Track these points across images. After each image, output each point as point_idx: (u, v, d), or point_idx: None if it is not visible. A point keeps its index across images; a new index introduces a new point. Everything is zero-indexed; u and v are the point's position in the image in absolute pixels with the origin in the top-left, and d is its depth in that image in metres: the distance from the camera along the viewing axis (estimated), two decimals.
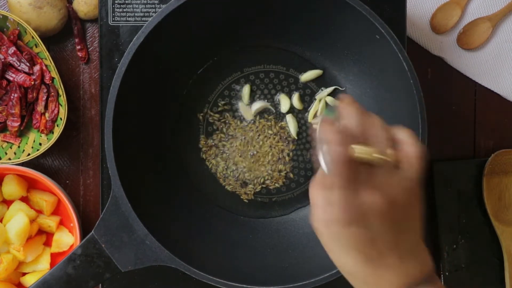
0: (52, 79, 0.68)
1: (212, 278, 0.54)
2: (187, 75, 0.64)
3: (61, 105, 0.68)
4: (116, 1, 0.62)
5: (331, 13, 0.57)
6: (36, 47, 0.68)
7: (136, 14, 0.62)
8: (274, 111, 0.65)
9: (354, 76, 0.64)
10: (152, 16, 0.59)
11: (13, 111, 0.68)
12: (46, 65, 0.68)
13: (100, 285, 0.63)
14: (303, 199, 0.65)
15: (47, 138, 0.69)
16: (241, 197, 0.65)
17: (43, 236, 0.71)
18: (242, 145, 0.65)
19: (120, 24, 0.62)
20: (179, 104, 0.64)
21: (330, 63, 0.64)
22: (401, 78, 0.55)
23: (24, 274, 0.70)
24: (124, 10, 0.62)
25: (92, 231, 0.54)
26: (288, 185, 0.65)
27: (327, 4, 0.56)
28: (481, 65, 0.75)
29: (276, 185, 0.65)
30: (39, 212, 0.71)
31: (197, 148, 0.65)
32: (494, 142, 0.76)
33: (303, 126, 0.65)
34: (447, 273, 0.73)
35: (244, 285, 0.54)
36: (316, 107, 0.65)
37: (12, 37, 0.68)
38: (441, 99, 0.75)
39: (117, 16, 0.62)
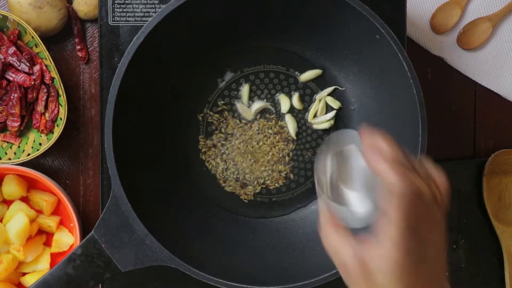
0: (52, 79, 0.68)
1: (212, 278, 0.54)
2: (187, 75, 0.64)
3: (61, 105, 0.68)
4: (116, 1, 0.62)
5: (331, 13, 0.57)
6: (36, 47, 0.68)
7: (136, 14, 0.62)
8: (274, 111, 0.65)
9: (354, 76, 0.64)
10: (152, 16, 0.59)
11: (13, 111, 0.68)
12: (46, 65, 0.68)
13: (100, 285, 0.63)
14: (303, 199, 0.65)
15: (47, 138, 0.69)
16: (241, 197, 0.65)
17: (43, 236, 0.71)
18: (242, 145, 0.65)
19: (120, 24, 0.62)
20: (179, 104, 0.64)
21: (330, 63, 0.64)
22: (401, 78, 0.55)
23: (24, 274, 0.70)
24: (124, 10, 0.62)
25: (92, 231, 0.54)
26: (288, 185, 0.65)
27: (327, 4, 0.56)
28: (481, 65, 0.75)
29: (276, 185, 0.65)
30: (39, 212, 0.71)
31: (197, 148, 0.65)
32: (494, 142, 0.76)
33: (303, 126, 0.65)
34: (447, 273, 0.73)
35: (244, 285, 0.54)
36: (316, 107, 0.65)
37: (12, 37, 0.68)
38: (441, 99, 0.75)
39: (117, 16, 0.62)
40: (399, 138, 0.59)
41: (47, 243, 0.72)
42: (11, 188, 0.69)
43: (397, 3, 0.62)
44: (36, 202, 0.70)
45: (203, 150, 0.65)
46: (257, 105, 0.64)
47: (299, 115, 0.65)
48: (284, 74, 0.65)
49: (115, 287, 0.63)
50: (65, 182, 0.73)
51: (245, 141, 0.65)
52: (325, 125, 0.65)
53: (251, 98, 0.65)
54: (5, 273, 0.67)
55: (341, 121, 0.65)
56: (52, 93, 0.69)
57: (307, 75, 0.64)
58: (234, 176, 0.65)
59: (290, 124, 0.65)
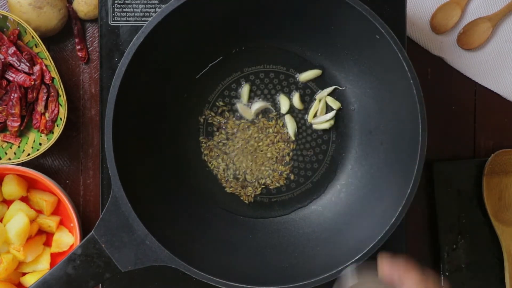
0: (52, 79, 0.68)
1: (212, 278, 0.54)
2: (187, 75, 0.64)
3: (61, 105, 0.68)
4: (116, 1, 0.62)
5: (331, 13, 0.57)
6: (36, 47, 0.68)
7: (136, 14, 0.62)
8: (274, 111, 0.65)
9: (354, 76, 0.64)
10: (152, 16, 0.59)
11: (13, 111, 0.68)
12: (46, 65, 0.68)
13: (100, 285, 0.63)
14: (303, 199, 0.65)
15: (47, 138, 0.69)
16: (241, 198, 0.65)
17: (43, 236, 0.71)
18: (242, 145, 0.65)
19: (120, 24, 0.62)
20: (179, 104, 0.64)
21: (330, 63, 0.64)
22: (401, 78, 0.55)
23: (24, 274, 0.70)
24: (124, 10, 0.62)
25: (92, 231, 0.54)
26: (288, 185, 0.65)
27: (327, 4, 0.56)
28: (481, 65, 0.75)
29: (276, 185, 0.65)
30: (39, 212, 0.71)
31: (197, 148, 0.65)
32: (494, 142, 0.76)
33: (303, 126, 0.65)
34: (447, 273, 0.73)
35: (244, 285, 0.54)
36: (316, 107, 0.65)
37: (12, 37, 0.68)
38: (441, 99, 0.75)
39: (117, 16, 0.62)
40: (399, 138, 0.59)
41: (47, 243, 0.72)
42: (11, 188, 0.69)
43: (397, 3, 0.62)
44: (36, 202, 0.70)
45: (203, 150, 0.65)
46: (257, 105, 0.64)
47: (299, 115, 0.65)
48: (284, 74, 0.65)
49: (115, 287, 0.63)
50: (65, 182, 0.73)
51: (245, 141, 0.65)
52: (325, 125, 0.65)
53: (251, 98, 0.65)
54: (5, 273, 0.67)
55: (341, 121, 0.65)
56: (52, 93, 0.69)
57: (307, 75, 0.64)
58: (234, 176, 0.65)
59: (289, 125, 0.65)
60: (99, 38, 0.62)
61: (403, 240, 0.63)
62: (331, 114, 0.64)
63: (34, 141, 0.70)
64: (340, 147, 0.65)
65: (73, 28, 0.71)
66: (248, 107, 0.65)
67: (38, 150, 0.67)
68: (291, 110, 0.65)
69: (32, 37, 0.66)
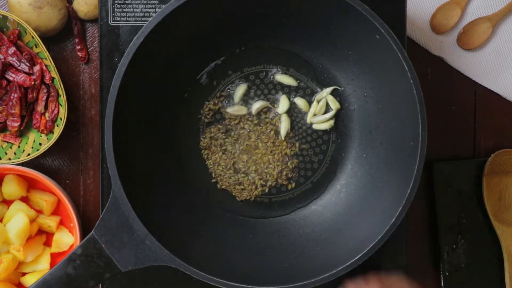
0: (52, 79, 0.68)
1: (212, 278, 0.54)
2: (187, 75, 0.64)
3: (61, 105, 0.68)
4: (116, 1, 0.62)
5: (331, 13, 0.57)
6: (36, 47, 0.68)
7: (136, 14, 0.62)
8: (274, 111, 0.65)
9: (354, 76, 0.64)
10: (152, 16, 0.59)
11: (13, 111, 0.68)
12: (46, 65, 0.68)
13: (100, 285, 0.63)
14: (303, 199, 0.65)
15: (47, 138, 0.69)
16: (242, 197, 0.65)
17: (43, 236, 0.71)
18: (242, 145, 0.65)
19: (120, 24, 0.62)
20: (179, 104, 0.64)
21: (330, 63, 0.64)
22: (401, 78, 0.55)
23: (24, 274, 0.70)
24: (124, 10, 0.62)
25: (92, 231, 0.54)
26: (288, 185, 0.65)
27: (327, 4, 0.56)
28: (481, 65, 0.75)
29: (276, 185, 0.65)
30: (39, 212, 0.71)
31: (197, 149, 0.65)
32: (494, 142, 0.76)
33: (303, 127, 0.65)
34: (447, 273, 0.73)
35: (244, 285, 0.54)
36: (316, 107, 0.65)
37: (12, 37, 0.68)
38: (441, 99, 0.75)
39: (117, 16, 0.62)
40: (399, 138, 0.59)
41: (47, 243, 0.72)
42: (11, 188, 0.69)
43: (397, 3, 0.62)
44: (36, 202, 0.70)
45: (203, 150, 0.65)
46: (258, 104, 0.64)
47: (299, 115, 0.65)
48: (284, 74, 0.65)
49: (115, 287, 0.63)
50: (65, 182, 0.73)
51: (245, 142, 0.65)
52: (325, 126, 0.65)
53: (251, 98, 0.65)
54: (5, 273, 0.67)
55: (341, 121, 0.65)
56: (52, 93, 0.69)
57: (282, 79, 0.64)
58: (235, 176, 0.65)
59: (283, 125, 0.65)
60: (99, 38, 0.62)
61: (403, 240, 0.64)
62: (331, 113, 0.64)
63: (34, 141, 0.70)
64: (340, 147, 0.65)
65: (73, 28, 0.71)
66: (247, 106, 0.65)
67: (38, 150, 0.67)
68: (289, 110, 0.65)
69: (32, 37, 0.66)
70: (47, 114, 0.69)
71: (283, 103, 0.65)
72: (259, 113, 0.65)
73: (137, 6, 0.62)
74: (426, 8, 0.75)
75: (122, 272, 0.54)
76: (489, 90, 0.76)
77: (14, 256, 0.68)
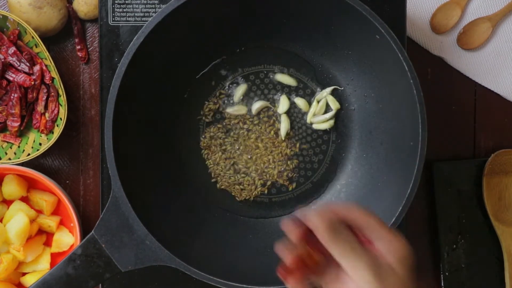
0: (52, 79, 0.68)
1: (212, 278, 0.54)
2: (187, 75, 0.64)
3: (61, 105, 0.68)
4: (116, 1, 0.62)
5: (331, 13, 0.57)
6: (36, 47, 0.68)
7: (136, 14, 0.62)
8: (274, 111, 0.65)
9: (354, 76, 0.64)
10: (152, 16, 0.59)
11: (13, 111, 0.68)
12: (46, 65, 0.68)
13: (100, 285, 0.63)
14: (303, 199, 0.65)
15: (47, 138, 0.69)
16: (241, 197, 0.65)
17: (43, 236, 0.71)
18: (242, 145, 0.65)
19: (120, 24, 0.62)
20: (179, 104, 0.64)
21: (330, 63, 0.64)
22: (401, 78, 0.55)
23: (24, 274, 0.70)
24: (124, 10, 0.62)
25: (92, 231, 0.54)
26: (288, 185, 0.65)
27: (327, 4, 0.56)
28: (481, 65, 0.75)
29: (276, 185, 0.65)
30: (39, 212, 0.71)
31: (197, 149, 0.65)
32: (494, 142, 0.76)
33: (303, 127, 0.65)
34: (447, 273, 0.73)
35: (244, 285, 0.54)
36: (316, 107, 0.65)
37: (12, 37, 0.68)
38: (441, 99, 0.75)
39: (117, 16, 0.62)
40: (399, 138, 0.59)
41: (47, 243, 0.72)
42: (11, 188, 0.69)
43: (397, 3, 0.62)
44: (36, 202, 0.70)
45: (203, 150, 0.65)
46: (258, 104, 0.64)
47: (299, 115, 0.65)
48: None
49: (115, 287, 0.63)
50: (65, 182, 0.73)
51: (245, 142, 0.65)
52: (325, 126, 0.65)
53: (251, 98, 0.65)
54: (5, 273, 0.67)
55: (341, 121, 0.65)
56: (52, 93, 0.69)
57: (282, 78, 0.64)
58: (235, 176, 0.65)
59: (283, 125, 0.65)
60: (99, 38, 0.62)
61: None
62: (331, 114, 0.64)
63: (34, 141, 0.70)
64: (340, 147, 0.65)
65: (73, 28, 0.71)
66: (243, 106, 0.65)
67: (38, 150, 0.67)
68: (289, 110, 0.65)
69: (32, 37, 0.66)
70: (47, 114, 0.69)
71: (283, 103, 0.65)
72: (259, 113, 0.65)
73: (137, 6, 0.62)
74: (426, 8, 0.75)
75: (122, 272, 0.54)
76: (489, 90, 0.76)
77: (14, 256, 0.68)
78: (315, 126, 0.65)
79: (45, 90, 0.69)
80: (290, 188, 0.65)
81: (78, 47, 0.72)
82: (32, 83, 0.68)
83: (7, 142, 0.70)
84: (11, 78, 0.68)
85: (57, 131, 0.67)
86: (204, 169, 0.65)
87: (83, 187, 0.73)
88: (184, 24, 0.57)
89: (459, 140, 0.76)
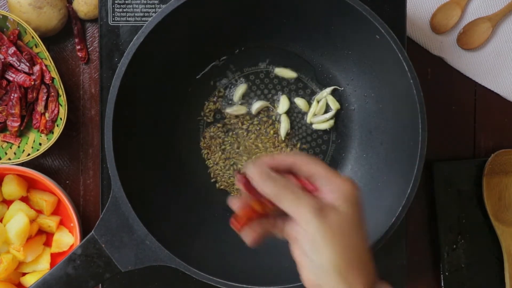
0: (52, 79, 0.68)
1: (212, 278, 0.54)
2: (187, 75, 0.64)
3: (61, 105, 0.68)
4: (116, 1, 0.62)
5: (331, 14, 0.57)
6: (36, 47, 0.68)
7: (136, 14, 0.62)
8: (274, 111, 0.65)
9: (354, 76, 0.64)
10: (152, 16, 0.59)
11: (13, 111, 0.68)
12: (46, 65, 0.68)
13: (100, 285, 0.63)
14: None
15: (47, 138, 0.69)
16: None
17: (43, 236, 0.71)
18: (242, 145, 0.65)
19: (120, 24, 0.62)
20: (179, 104, 0.64)
21: (330, 63, 0.64)
22: (401, 78, 0.55)
23: (24, 274, 0.70)
24: (124, 10, 0.62)
25: (92, 231, 0.54)
26: None
27: (327, 4, 0.56)
28: (481, 65, 0.75)
29: None
30: (39, 212, 0.71)
31: (197, 148, 0.65)
32: (494, 142, 0.76)
33: (303, 127, 0.65)
34: (447, 273, 0.73)
35: (244, 285, 0.54)
36: (316, 107, 0.65)
37: (12, 37, 0.68)
38: (441, 99, 0.75)
39: (117, 16, 0.62)
40: (399, 138, 0.59)
41: (47, 243, 0.72)
42: (11, 188, 0.69)
43: (397, 3, 0.62)
44: (36, 202, 0.70)
45: (203, 150, 0.65)
46: (257, 104, 0.64)
47: (299, 115, 0.65)
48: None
49: (115, 287, 0.63)
50: (65, 182, 0.73)
51: (245, 142, 0.65)
52: (325, 126, 0.65)
53: (251, 98, 0.65)
54: (5, 273, 0.67)
55: (341, 121, 0.65)
56: (52, 93, 0.69)
57: (281, 72, 0.64)
58: (234, 177, 0.65)
59: (283, 125, 0.65)
60: (99, 38, 0.62)
61: (403, 240, 0.63)
62: (331, 114, 0.64)
63: (34, 141, 0.70)
64: (340, 147, 0.65)
65: (73, 28, 0.71)
66: (246, 106, 0.65)
67: (38, 150, 0.67)
68: (289, 110, 0.65)
69: (32, 37, 0.66)
70: (47, 114, 0.69)
71: (283, 103, 0.65)
72: (258, 113, 0.65)
73: (137, 6, 0.62)
74: (426, 8, 0.75)
75: (122, 272, 0.54)
76: (489, 90, 0.76)
77: (14, 256, 0.68)
78: (315, 126, 0.65)
79: (45, 90, 0.69)
80: None
81: (78, 47, 0.72)
82: (32, 83, 0.68)
83: (7, 142, 0.70)
84: (11, 78, 0.68)
85: (57, 131, 0.67)
86: (204, 169, 0.65)
87: (83, 187, 0.73)
88: (184, 24, 0.57)
89: (459, 140, 0.76)
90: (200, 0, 0.55)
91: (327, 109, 0.65)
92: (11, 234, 0.67)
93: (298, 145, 0.65)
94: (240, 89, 0.64)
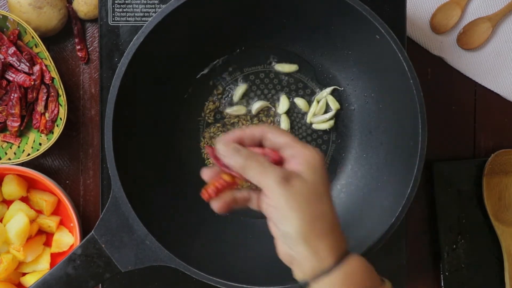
0: (52, 79, 0.68)
1: (212, 278, 0.54)
2: (187, 75, 0.64)
3: (61, 105, 0.68)
4: (116, 1, 0.62)
5: (331, 14, 0.57)
6: (36, 47, 0.68)
7: (136, 14, 0.62)
8: (274, 110, 0.65)
9: (354, 76, 0.64)
10: (152, 16, 0.59)
11: (13, 111, 0.68)
12: (46, 65, 0.68)
13: (100, 285, 0.63)
14: None
15: (47, 138, 0.69)
16: None
17: (43, 236, 0.71)
18: None
19: (120, 24, 0.62)
20: (179, 104, 0.64)
21: (330, 63, 0.64)
22: (401, 78, 0.55)
23: (24, 274, 0.70)
24: (124, 10, 0.62)
25: (92, 231, 0.54)
26: None
27: (327, 4, 0.56)
28: (481, 65, 0.75)
29: None
30: (39, 212, 0.71)
31: (198, 148, 0.65)
32: (494, 142, 0.76)
33: (303, 127, 0.65)
34: (447, 273, 0.73)
35: (244, 285, 0.54)
36: (316, 107, 0.65)
37: (12, 37, 0.68)
38: (441, 99, 0.75)
39: (117, 16, 0.62)
40: (399, 138, 0.59)
41: (47, 243, 0.72)
42: (11, 188, 0.69)
43: (397, 3, 0.62)
44: (36, 202, 0.70)
45: (203, 149, 0.65)
46: (257, 104, 0.64)
47: (299, 115, 0.65)
48: (284, 74, 0.65)
49: (115, 287, 0.63)
50: (65, 182, 0.73)
51: None
52: (325, 126, 0.65)
53: (251, 98, 0.65)
54: (5, 273, 0.67)
55: (341, 121, 0.65)
56: (52, 93, 0.69)
57: (282, 67, 0.64)
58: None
59: (282, 125, 0.65)
60: (99, 38, 0.62)
61: (403, 240, 0.63)
62: (331, 114, 0.64)
63: (34, 141, 0.70)
64: (340, 147, 0.65)
65: (73, 28, 0.71)
66: (246, 106, 0.65)
67: (38, 150, 0.67)
68: (289, 110, 0.65)
69: (32, 37, 0.66)
70: (47, 114, 0.69)
71: (283, 103, 0.65)
72: (258, 113, 0.65)
73: (137, 6, 0.62)
74: (426, 8, 0.75)
75: (122, 272, 0.54)
76: (489, 90, 0.76)
77: (14, 256, 0.68)
78: (315, 126, 0.65)
79: (45, 90, 0.69)
80: None
81: (78, 47, 0.72)
82: (32, 83, 0.68)
83: (7, 142, 0.70)
84: (11, 78, 0.68)
85: (57, 131, 0.67)
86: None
87: (83, 187, 0.73)
88: (184, 24, 0.57)
89: (459, 140, 0.76)
90: (200, 0, 0.55)
91: (327, 109, 0.65)
92: (11, 234, 0.67)
93: None
94: (240, 89, 0.64)
